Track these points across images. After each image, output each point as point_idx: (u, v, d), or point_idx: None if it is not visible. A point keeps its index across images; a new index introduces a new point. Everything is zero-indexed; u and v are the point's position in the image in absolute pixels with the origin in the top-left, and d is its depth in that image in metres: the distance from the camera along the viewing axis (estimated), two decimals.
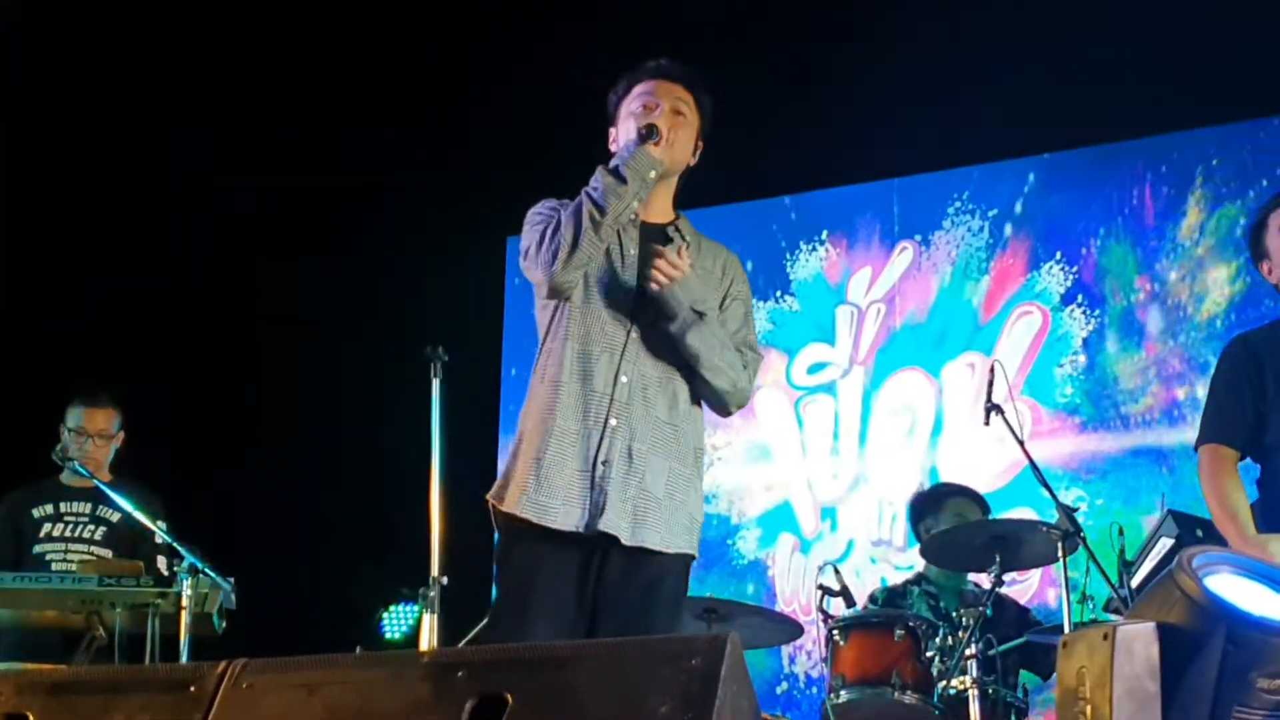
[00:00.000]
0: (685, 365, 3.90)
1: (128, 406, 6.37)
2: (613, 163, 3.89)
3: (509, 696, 2.48)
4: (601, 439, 3.80)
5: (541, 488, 3.81)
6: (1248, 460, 4.52)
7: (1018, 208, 7.71)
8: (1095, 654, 2.93)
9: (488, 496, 3.93)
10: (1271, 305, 4.69)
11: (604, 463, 3.79)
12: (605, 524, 3.76)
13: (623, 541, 3.77)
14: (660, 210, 4.05)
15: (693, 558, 3.91)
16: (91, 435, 6.20)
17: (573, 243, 3.83)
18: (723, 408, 4.00)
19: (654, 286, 3.82)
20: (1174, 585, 2.99)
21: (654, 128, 3.87)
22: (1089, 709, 2.87)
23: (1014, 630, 5.91)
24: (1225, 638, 2.90)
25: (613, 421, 3.81)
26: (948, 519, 6.09)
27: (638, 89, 4.04)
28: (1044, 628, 6.10)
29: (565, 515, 3.79)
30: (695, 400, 3.97)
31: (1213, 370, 4.67)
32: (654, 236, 3.99)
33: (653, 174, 3.87)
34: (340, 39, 8.00)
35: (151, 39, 7.66)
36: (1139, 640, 2.93)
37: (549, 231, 3.88)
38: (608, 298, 3.91)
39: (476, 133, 8.23)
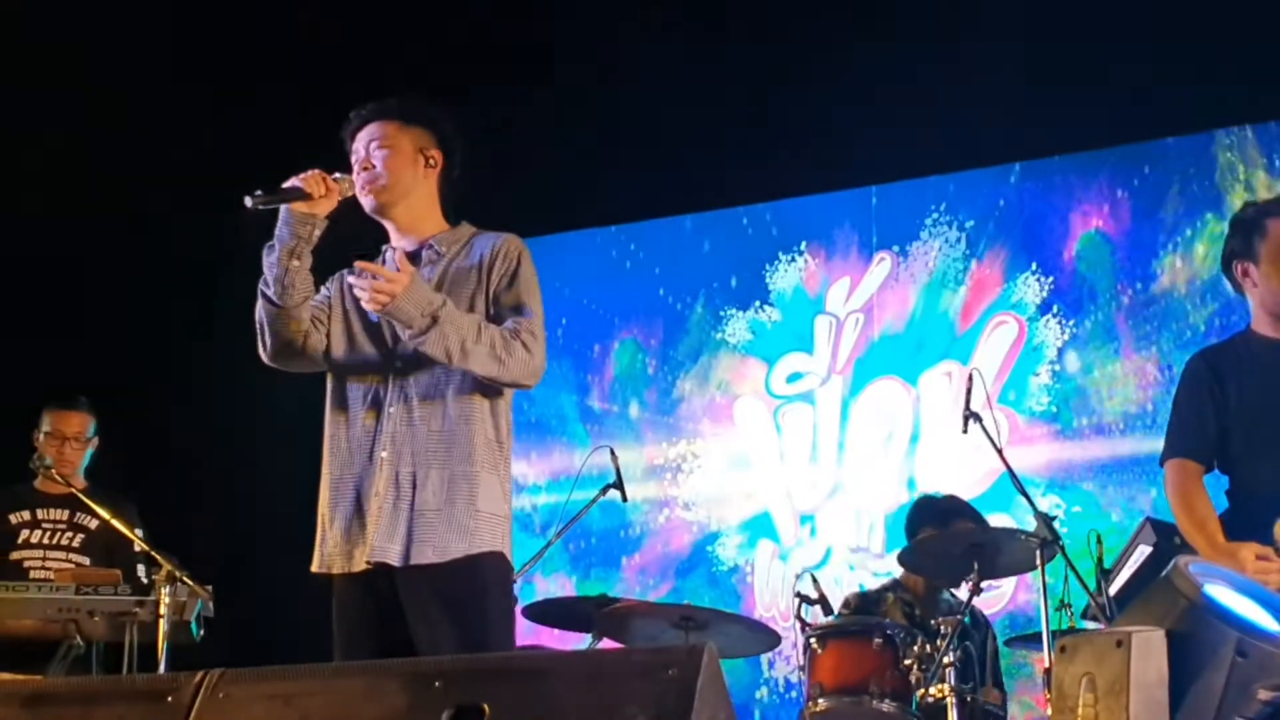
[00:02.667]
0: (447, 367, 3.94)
1: (103, 414, 6.36)
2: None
3: (486, 707, 2.49)
4: (374, 475, 3.92)
5: (326, 540, 3.98)
6: (1216, 471, 4.56)
7: (994, 218, 7.73)
8: (1106, 661, 2.93)
9: None
10: (1247, 315, 4.70)
11: (377, 494, 3.90)
12: (377, 554, 3.87)
13: (395, 564, 3.85)
14: (417, 233, 4.12)
15: (494, 554, 3.92)
16: (67, 438, 6.18)
17: (262, 333, 4.00)
18: (508, 386, 3.99)
19: (374, 309, 3.86)
20: (1177, 593, 3.00)
21: (296, 189, 3.92)
22: (1095, 715, 2.87)
23: (984, 639, 5.93)
24: (1235, 650, 2.91)
25: (382, 453, 3.93)
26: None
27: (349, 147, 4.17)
28: (1023, 635, 6.12)
29: (344, 559, 3.93)
30: (478, 391, 3.95)
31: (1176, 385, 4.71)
32: (411, 261, 4.04)
33: (307, 228, 3.93)
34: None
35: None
36: (1153, 648, 2.94)
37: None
38: (367, 336, 4.05)
39: None
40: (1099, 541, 5.36)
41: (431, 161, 4.13)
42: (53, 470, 6.00)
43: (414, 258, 4.08)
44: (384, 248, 4.18)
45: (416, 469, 3.90)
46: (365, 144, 4.09)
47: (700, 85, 7.77)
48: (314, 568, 4.00)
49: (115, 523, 5.68)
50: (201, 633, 5.60)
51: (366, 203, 4.07)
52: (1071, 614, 5.47)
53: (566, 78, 7.88)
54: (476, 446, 3.93)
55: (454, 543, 3.87)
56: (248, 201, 3.87)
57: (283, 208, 3.94)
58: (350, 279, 3.94)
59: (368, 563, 3.88)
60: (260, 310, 3.99)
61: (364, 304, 3.87)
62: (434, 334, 3.81)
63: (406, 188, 4.09)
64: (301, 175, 3.95)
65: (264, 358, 4.06)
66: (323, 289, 4.13)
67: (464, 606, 3.85)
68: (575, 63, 7.84)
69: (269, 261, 3.95)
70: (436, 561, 3.85)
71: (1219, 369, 4.54)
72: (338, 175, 4.01)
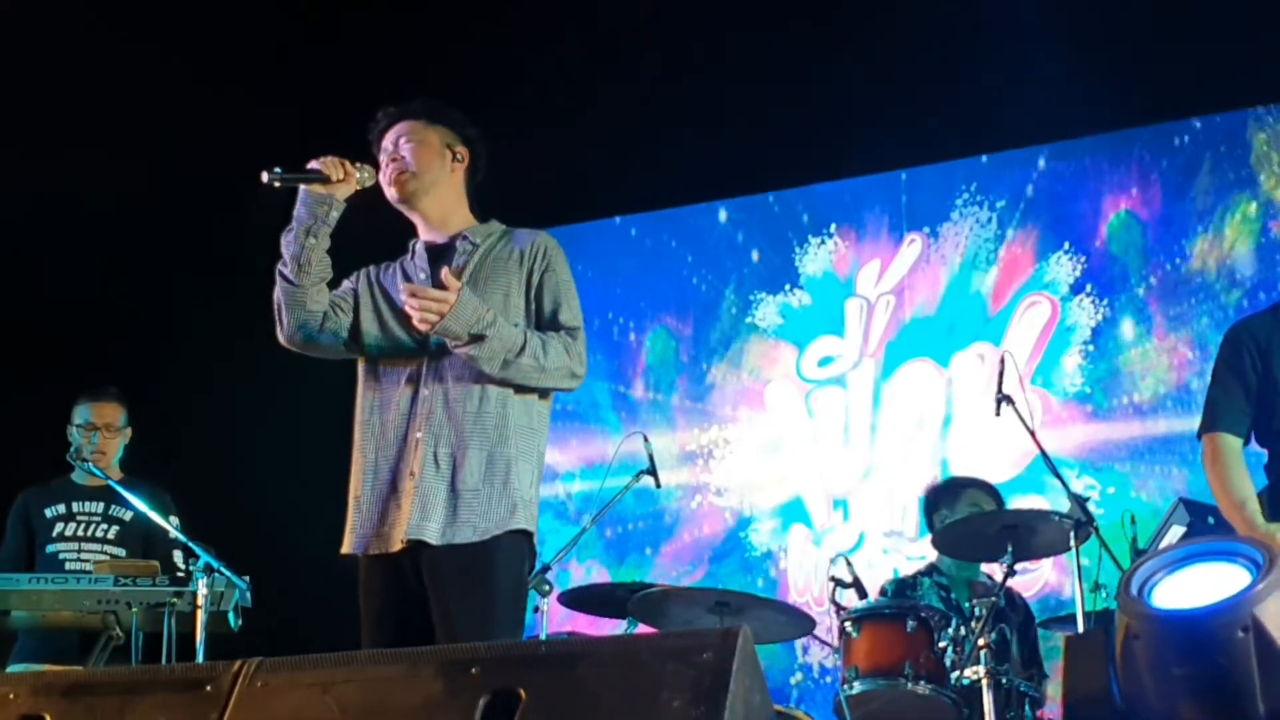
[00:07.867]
0: None
1: (135, 406, 6.38)
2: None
3: (522, 692, 2.50)
4: (409, 455, 3.98)
5: (360, 522, 4.01)
6: (1254, 445, 4.52)
7: (1025, 198, 7.71)
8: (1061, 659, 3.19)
9: None
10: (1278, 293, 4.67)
11: (412, 474, 3.96)
12: (414, 532, 3.91)
13: (433, 542, 3.90)
14: (446, 226, 4.19)
15: (523, 531, 3.99)
16: (99, 428, 6.20)
17: (279, 313, 4.08)
18: (548, 390, 4.10)
19: (424, 329, 3.94)
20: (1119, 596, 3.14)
21: (314, 171, 4.00)
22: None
23: (1023, 621, 5.92)
24: (1131, 634, 2.99)
25: (418, 434, 3.98)
26: (963, 510, 6.06)
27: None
28: (1057, 617, 6.11)
29: (380, 540, 3.97)
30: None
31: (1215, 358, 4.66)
32: (442, 253, 4.15)
33: (324, 209, 4.01)
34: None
35: None
36: (1089, 646, 3.08)
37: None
38: (399, 323, 4.09)
39: None
40: (1133, 522, 5.36)
41: (459, 156, 4.21)
42: (88, 462, 6.03)
43: (445, 250, 4.15)
44: (411, 242, 4.24)
45: (454, 449, 3.95)
46: (394, 140, 4.17)
47: (731, 71, 7.78)
48: (346, 549, 4.04)
49: (150, 514, 5.72)
50: (240, 623, 5.63)
51: (394, 194, 4.14)
52: (1106, 595, 5.46)
53: (600, 67, 7.88)
54: (512, 428, 4.00)
55: (491, 522, 3.93)
56: (264, 177, 3.95)
57: (300, 189, 4.01)
58: (402, 297, 3.99)
59: (404, 542, 3.92)
60: (277, 290, 4.06)
61: (415, 324, 3.94)
62: (478, 349, 3.91)
63: (434, 178, 4.15)
64: (320, 159, 4.02)
65: (281, 339, 4.11)
66: (346, 282, 4.19)
67: (485, 582, 3.90)
68: (607, 51, 7.85)
69: (286, 241, 4.03)
70: (473, 540, 3.91)
71: (1260, 339, 4.48)
72: (357, 163, 4.06)
